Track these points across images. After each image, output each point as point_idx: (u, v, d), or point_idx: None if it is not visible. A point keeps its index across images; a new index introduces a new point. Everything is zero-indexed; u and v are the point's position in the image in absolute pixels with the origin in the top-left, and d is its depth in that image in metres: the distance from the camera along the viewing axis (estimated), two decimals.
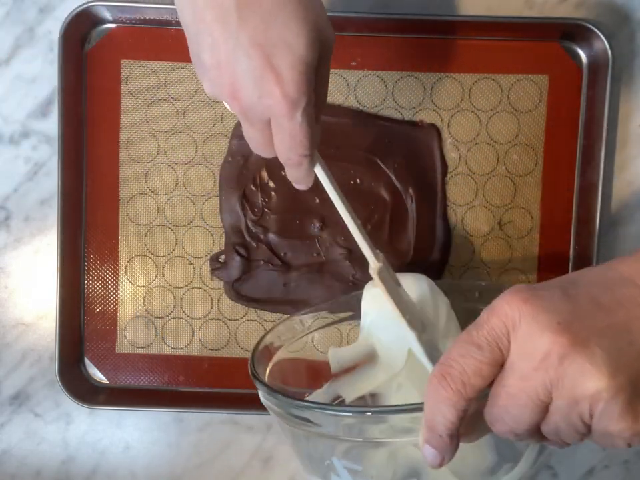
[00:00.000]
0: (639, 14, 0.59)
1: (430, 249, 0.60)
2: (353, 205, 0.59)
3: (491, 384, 0.35)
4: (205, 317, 0.61)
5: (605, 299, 0.34)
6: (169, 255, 0.61)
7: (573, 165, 0.60)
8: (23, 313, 0.62)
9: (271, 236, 0.60)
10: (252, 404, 0.60)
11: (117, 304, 0.61)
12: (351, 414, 0.41)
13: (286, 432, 0.46)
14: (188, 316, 0.61)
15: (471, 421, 0.36)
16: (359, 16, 0.58)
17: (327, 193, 0.44)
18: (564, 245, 0.60)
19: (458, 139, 0.60)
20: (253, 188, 0.60)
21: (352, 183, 0.60)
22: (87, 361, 0.62)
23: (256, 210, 0.60)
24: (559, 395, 0.33)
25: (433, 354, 0.45)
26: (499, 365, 0.34)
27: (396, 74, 0.60)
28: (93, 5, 0.57)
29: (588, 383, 0.32)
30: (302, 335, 0.55)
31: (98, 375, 0.62)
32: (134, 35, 0.60)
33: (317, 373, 0.54)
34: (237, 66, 0.38)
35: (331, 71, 0.59)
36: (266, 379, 0.49)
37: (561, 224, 0.60)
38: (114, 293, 0.61)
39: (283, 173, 0.59)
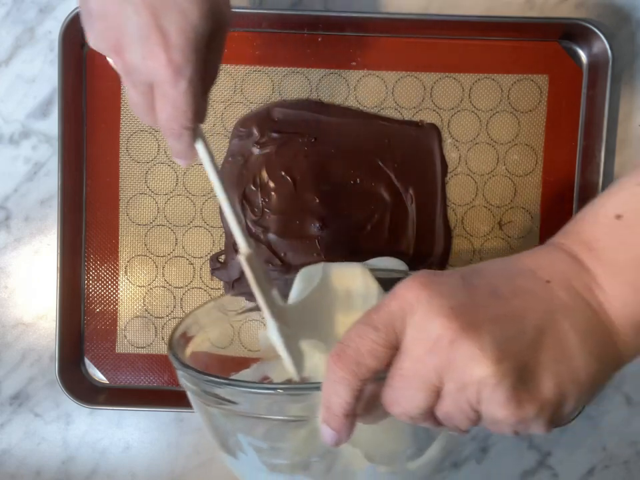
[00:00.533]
0: (639, 14, 0.60)
1: (430, 249, 0.60)
2: (353, 204, 0.60)
3: (389, 367, 0.35)
4: None
5: (504, 289, 0.34)
6: (169, 255, 0.61)
7: (573, 165, 0.60)
8: (23, 313, 0.62)
9: (271, 236, 0.60)
10: None
11: (116, 304, 0.61)
12: (262, 391, 0.41)
13: (198, 407, 0.45)
14: None
15: (370, 403, 0.36)
16: (359, 16, 0.58)
17: (208, 174, 0.44)
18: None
19: (458, 139, 0.60)
20: (253, 188, 0.60)
21: (352, 182, 0.60)
22: (87, 361, 0.62)
23: (256, 210, 0.60)
24: (449, 379, 0.33)
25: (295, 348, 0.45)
26: (394, 348, 0.34)
27: (396, 74, 0.60)
28: None
29: (475, 368, 0.32)
30: (226, 319, 0.55)
31: (98, 375, 0.62)
32: None
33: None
34: (125, 21, 0.37)
35: (331, 70, 0.60)
36: (186, 359, 0.49)
37: (560, 224, 0.60)
38: (114, 293, 0.61)
39: (283, 173, 0.59)
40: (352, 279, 0.49)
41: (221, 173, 0.44)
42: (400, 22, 0.58)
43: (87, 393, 0.60)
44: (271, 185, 0.60)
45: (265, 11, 0.59)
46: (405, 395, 0.34)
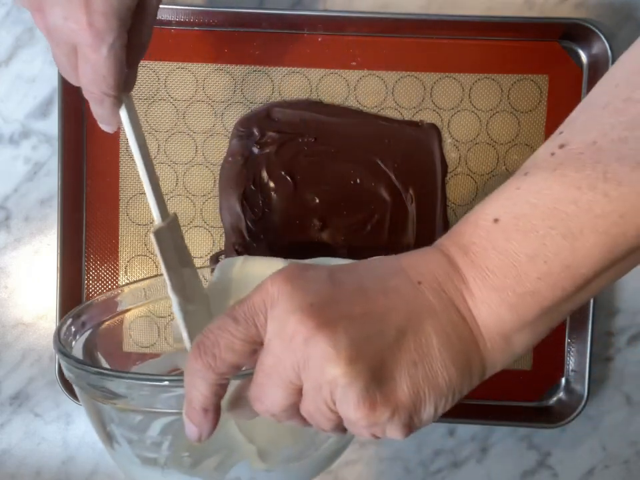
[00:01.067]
0: (639, 14, 0.59)
1: None
2: (353, 204, 0.60)
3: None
4: None
5: (371, 287, 0.33)
6: None
7: None
8: (23, 313, 0.62)
9: (271, 236, 0.60)
10: None
11: None
12: (137, 381, 0.40)
13: (80, 395, 0.45)
14: None
15: (238, 399, 0.36)
16: (359, 16, 0.58)
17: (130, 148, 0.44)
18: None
19: (458, 139, 0.60)
20: (253, 188, 0.60)
21: (352, 182, 0.60)
22: None
23: (256, 210, 0.60)
24: (306, 378, 0.32)
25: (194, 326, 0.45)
26: (255, 342, 0.33)
27: (396, 74, 0.60)
28: None
29: (327, 367, 0.31)
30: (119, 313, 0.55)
31: None
32: None
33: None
34: None
35: (331, 70, 0.60)
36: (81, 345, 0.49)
37: None
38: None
39: (283, 173, 0.59)
40: (269, 271, 0.50)
41: (143, 141, 0.44)
42: (400, 22, 0.58)
43: None
44: (271, 184, 0.60)
45: (265, 10, 0.58)
46: (266, 392, 0.33)
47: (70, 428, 0.63)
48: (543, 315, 0.32)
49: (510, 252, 0.31)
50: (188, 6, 0.57)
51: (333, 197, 0.59)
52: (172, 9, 0.57)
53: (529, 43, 0.59)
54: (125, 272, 0.61)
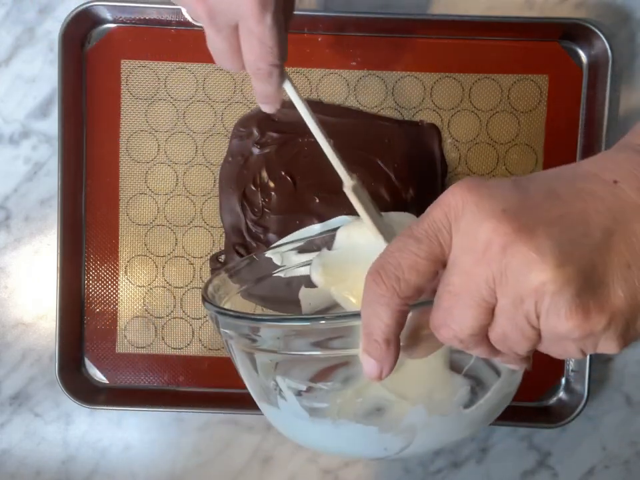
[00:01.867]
0: (638, 14, 0.59)
1: None
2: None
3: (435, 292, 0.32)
4: (204, 317, 0.61)
5: (562, 190, 0.30)
6: (169, 255, 0.61)
7: None
8: (23, 313, 0.62)
9: (271, 236, 0.60)
10: (252, 404, 0.60)
11: (116, 304, 0.61)
12: (289, 323, 0.39)
13: (238, 358, 0.44)
14: (188, 316, 0.61)
15: (415, 332, 0.34)
16: (359, 16, 0.58)
17: (304, 121, 0.44)
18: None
19: (458, 139, 0.60)
20: (253, 188, 0.60)
21: None
22: (87, 361, 0.62)
23: (256, 210, 0.60)
24: (503, 293, 0.29)
25: None
26: (439, 261, 0.31)
27: (396, 74, 0.60)
28: (93, 5, 0.57)
29: (532, 274, 0.28)
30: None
31: (98, 375, 0.62)
32: (134, 35, 0.60)
33: None
34: None
35: (331, 70, 0.60)
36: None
37: None
38: (114, 293, 0.61)
39: (283, 173, 0.59)
40: (409, 220, 0.49)
41: (311, 110, 0.45)
42: (400, 22, 0.58)
43: (87, 393, 0.60)
44: (271, 184, 0.60)
45: None
46: (454, 315, 0.30)
47: (70, 428, 0.63)
48: None
49: None
50: None
51: (332, 197, 0.59)
52: (172, 8, 0.57)
53: (529, 42, 0.59)
54: (125, 272, 0.61)
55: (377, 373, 0.33)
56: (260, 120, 0.60)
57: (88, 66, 0.60)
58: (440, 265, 0.31)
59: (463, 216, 0.30)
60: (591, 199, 0.29)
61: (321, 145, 0.45)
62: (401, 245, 0.31)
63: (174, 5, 0.57)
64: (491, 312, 0.30)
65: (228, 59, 0.41)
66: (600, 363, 0.61)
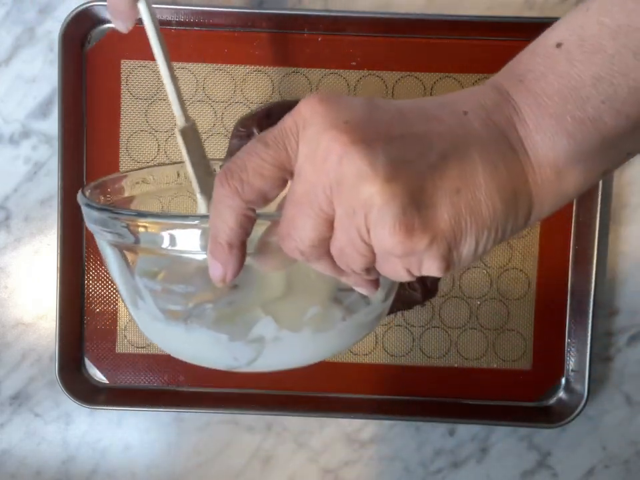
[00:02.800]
0: None
1: None
2: None
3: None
4: None
5: (411, 114, 0.30)
6: None
7: None
8: (23, 313, 0.62)
9: None
10: (252, 404, 0.61)
11: (117, 304, 0.61)
12: (149, 219, 0.38)
13: (105, 252, 0.43)
14: None
15: (266, 243, 0.34)
16: (359, 16, 0.58)
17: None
18: (564, 245, 0.60)
19: None
20: None
21: None
22: (86, 361, 0.62)
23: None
24: (339, 203, 0.30)
25: None
26: (285, 169, 0.31)
27: (396, 74, 0.60)
28: (93, 5, 0.57)
29: (363, 186, 0.28)
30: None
31: (98, 375, 0.62)
32: (134, 35, 0.59)
33: None
34: None
35: (331, 70, 0.60)
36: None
37: (560, 224, 0.60)
38: (114, 293, 0.61)
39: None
40: None
41: (162, 37, 0.43)
42: (400, 22, 0.58)
43: (87, 393, 0.61)
44: None
45: (265, 10, 0.59)
46: (296, 225, 0.31)
47: (70, 428, 0.63)
48: (602, 149, 0.30)
49: (572, 75, 0.29)
50: (188, 6, 0.57)
51: None
52: (172, 8, 0.57)
53: (529, 43, 0.59)
54: None
55: (221, 275, 0.33)
56: (260, 120, 0.60)
57: (88, 66, 0.60)
58: (287, 173, 0.31)
59: (310, 125, 0.30)
60: (437, 123, 0.30)
61: (162, 75, 0.43)
62: (250, 148, 0.32)
63: (174, 5, 0.57)
64: (331, 225, 0.31)
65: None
66: (600, 362, 0.61)
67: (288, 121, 0.31)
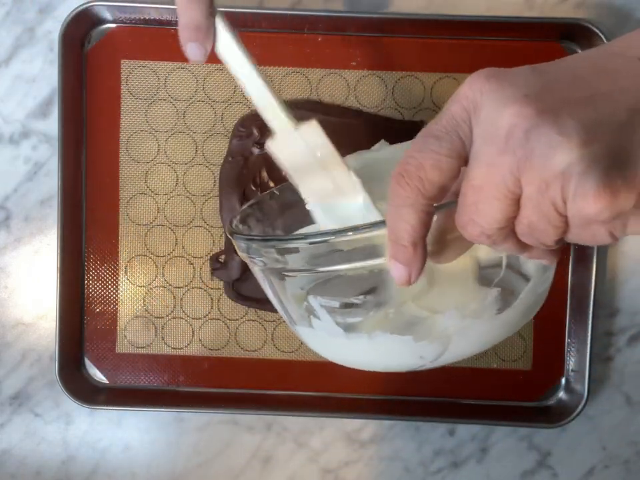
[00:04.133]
0: (638, 14, 0.59)
1: None
2: None
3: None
4: (204, 317, 0.61)
5: (585, 72, 0.29)
6: (168, 254, 0.61)
7: None
8: (23, 313, 0.62)
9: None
10: (252, 404, 0.61)
11: (116, 304, 0.61)
12: (311, 239, 0.38)
13: (267, 283, 0.44)
14: (188, 316, 0.61)
15: (441, 236, 0.33)
16: (359, 16, 0.58)
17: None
18: (564, 245, 0.60)
19: None
20: (253, 188, 0.60)
21: None
22: (86, 361, 0.62)
23: None
24: (528, 181, 0.28)
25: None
26: (461, 157, 0.30)
27: (396, 74, 0.60)
28: (93, 5, 0.57)
29: (557, 157, 0.27)
30: None
31: (98, 375, 0.62)
32: (134, 35, 0.60)
33: None
34: None
35: (331, 70, 0.60)
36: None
37: None
38: (114, 293, 0.61)
39: (283, 173, 0.59)
40: None
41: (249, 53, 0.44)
42: (400, 22, 0.58)
43: (87, 393, 0.61)
44: (271, 184, 0.60)
45: (265, 10, 0.59)
46: (479, 210, 0.30)
47: (70, 428, 0.63)
48: None
49: None
50: None
51: None
52: (172, 9, 0.57)
53: (529, 42, 0.59)
54: (125, 272, 0.61)
55: (406, 277, 0.32)
56: (260, 120, 0.59)
57: (88, 66, 0.60)
58: (463, 160, 0.30)
59: (483, 106, 0.29)
60: (617, 76, 0.28)
61: (257, 86, 0.44)
62: (421, 145, 0.30)
63: (174, 5, 0.57)
64: (517, 203, 0.29)
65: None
66: (600, 362, 0.61)
67: (454, 107, 0.30)
